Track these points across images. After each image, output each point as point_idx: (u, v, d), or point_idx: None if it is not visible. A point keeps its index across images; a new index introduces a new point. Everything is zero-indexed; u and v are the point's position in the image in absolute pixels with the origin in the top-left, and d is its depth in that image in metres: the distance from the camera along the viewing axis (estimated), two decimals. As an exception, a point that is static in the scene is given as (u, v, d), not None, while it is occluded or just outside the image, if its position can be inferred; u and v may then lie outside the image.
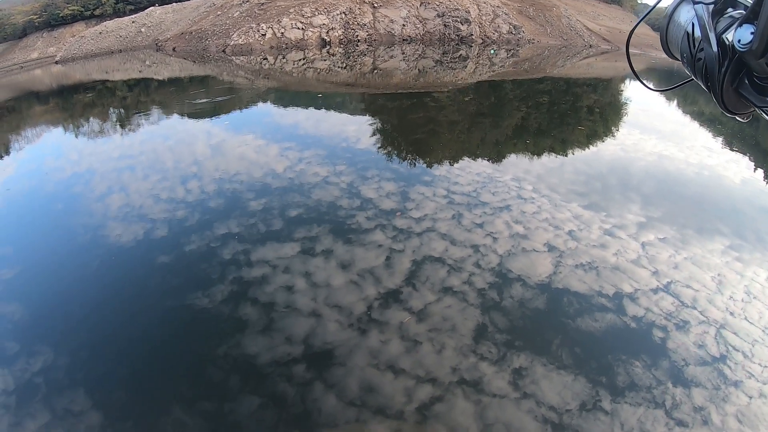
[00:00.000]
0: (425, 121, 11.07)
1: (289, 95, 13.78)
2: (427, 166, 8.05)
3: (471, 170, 7.92)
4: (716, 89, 0.81)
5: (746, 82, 0.78)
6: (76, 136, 9.59)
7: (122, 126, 10.50)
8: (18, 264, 4.97)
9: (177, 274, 4.88)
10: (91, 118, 11.02)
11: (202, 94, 14.08)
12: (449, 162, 8.31)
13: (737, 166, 9.67)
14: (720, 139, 12.29)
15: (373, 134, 9.79)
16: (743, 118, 0.87)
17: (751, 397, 3.63)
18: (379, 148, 8.89)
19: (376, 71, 17.29)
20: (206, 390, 3.51)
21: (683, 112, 15.97)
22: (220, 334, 4.03)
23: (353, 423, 3.26)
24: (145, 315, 4.32)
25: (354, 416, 3.31)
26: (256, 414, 3.30)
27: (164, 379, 3.63)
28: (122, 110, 12.06)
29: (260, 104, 12.81)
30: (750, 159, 10.39)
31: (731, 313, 4.58)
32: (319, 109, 12.03)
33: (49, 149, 10.19)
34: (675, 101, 17.45)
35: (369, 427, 3.24)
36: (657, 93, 17.40)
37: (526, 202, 6.70)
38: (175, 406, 3.36)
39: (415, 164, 8.11)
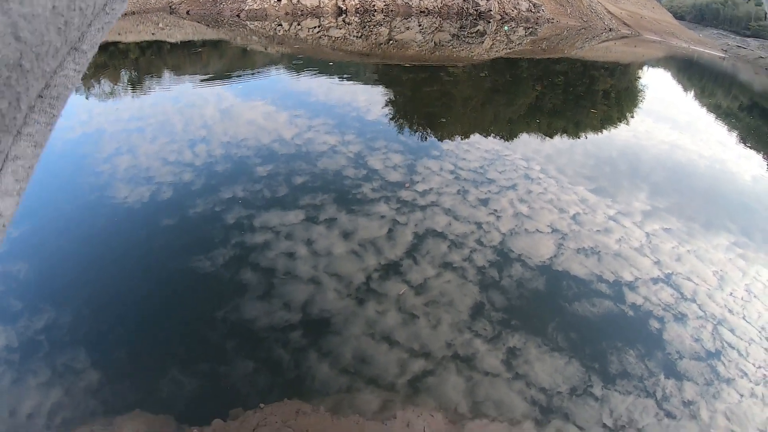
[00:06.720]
0: (438, 95, 10.92)
1: (302, 62, 13.58)
2: (437, 140, 7.98)
3: (480, 146, 7.85)
4: None
5: None
6: (87, 97, 9.50)
7: (133, 88, 10.40)
8: (24, 223, 4.99)
9: (180, 236, 4.90)
10: (102, 79, 10.90)
11: (215, 59, 13.93)
12: (459, 137, 8.23)
13: (749, 163, 9.55)
14: (735, 134, 12.10)
15: (385, 105, 9.68)
16: None
17: (742, 396, 3.64)
18: (389, 119, 8.79)
19: (391, 42, 16.98)
20: (203, 351, 3.55)
21: (700, 104, 15.69)
22: (220, 297, 4.07)
23: (345, 391, 3.31)
24: (146, 276, 4.36)
25: (346, 384, 3.36)
26: (250, 377, 3.35)
27: (163, 340, 3.67)
28: (134, 72, 11.95)
29: (272, 70, 12.66)
30: (764, 156, 10.24)
31: (730, 310, 4.57)
32: (332, 78, 11.87)
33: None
34: (692, 92, 17.14)
35: (361, 396, 3.28)
36: None
37: (532, 182, 6.65)
38: (172, 365, 3.41)
39: (425, 138, 8.04)
